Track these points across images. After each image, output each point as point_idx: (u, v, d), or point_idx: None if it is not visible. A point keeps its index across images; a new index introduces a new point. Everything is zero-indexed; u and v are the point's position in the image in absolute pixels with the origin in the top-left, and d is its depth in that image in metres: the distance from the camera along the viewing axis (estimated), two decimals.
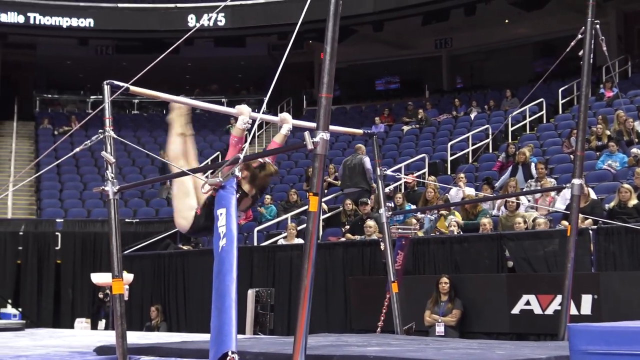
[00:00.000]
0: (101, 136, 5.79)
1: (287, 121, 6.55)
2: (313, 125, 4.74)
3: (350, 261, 12.90)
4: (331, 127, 5.12)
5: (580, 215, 8.82)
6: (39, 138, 26.42)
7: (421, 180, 16.63)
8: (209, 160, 23.92)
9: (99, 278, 14.01)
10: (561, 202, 12.61)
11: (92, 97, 29.94)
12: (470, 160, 18.57)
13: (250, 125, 5.98)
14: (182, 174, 5.96)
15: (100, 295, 15.64)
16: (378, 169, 8.54)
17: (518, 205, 12.92)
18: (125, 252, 15.75)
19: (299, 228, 14.81)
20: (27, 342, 8.02)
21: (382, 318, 10.11)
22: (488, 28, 26.32)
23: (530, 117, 20.50)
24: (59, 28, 26.37)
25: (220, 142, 25.62)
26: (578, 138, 7.55)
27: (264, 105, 6.11)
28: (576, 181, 7.38)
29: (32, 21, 26.10)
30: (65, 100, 31.20)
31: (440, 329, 11.15)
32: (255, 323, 12.23)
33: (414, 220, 13.77)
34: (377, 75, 31.01)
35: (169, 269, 15.76)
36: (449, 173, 18.30)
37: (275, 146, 6.51)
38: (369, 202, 14.69)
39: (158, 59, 5.62)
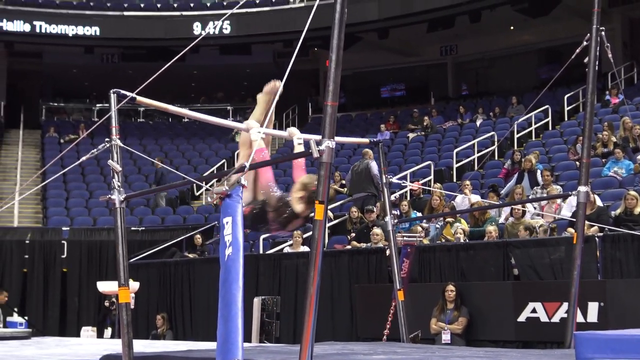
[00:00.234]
0: (107, 145, 5.80)
1: (294, 134, 6.47)
2: (318, 136, 4.73)
3: (356, 269, 12.89)
4: (337, 138, 5.11)
5: (587, 223, 8.80)
6: (45, 146, 26.45)
7: (427, 188, 16.61)
8: (214, 168, 23.95)
9: (105, 286, 14.02)
10: (567, 209, 12.59)
11: (98, 105, 29.99)
12: (476, 168, 18.56)
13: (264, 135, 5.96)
14: (188, 182, 5.94)
15: (106, 304, 15.65)
16: (384, 177, 8.54)
17: (524, 212, 12.90)
18: (131, 260, 15.76)
19: (304, 236, 14.80)
20: (34, 351, 8.03)
21: (388, 326, 10.11)
22: (493, 35, 26.33)
23: (535, 124, 20.47)
24: (65, 36, 26.45)
25: (226, 150, 25.63)
26: (584, 145, 7.54)
27: (271, 112, 6.06)
28: (582, 188, 7.37)
29: (38, 30, 26.18)
30: (71, 108, 31.25)
31: (446, 337, 11.13)
32: (261, 331, 12.24)
33: (419, 228, 13.75)
34: (382, 83, 31.02)
35: (175, 277, 15.76)
36: (454, 180, 18.28)
37: (299, 168, 6.16)
38: (375, 209, 14.67)
39: (164, 68, 5.61)
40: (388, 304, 9.98)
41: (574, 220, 8.15)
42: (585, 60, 7.40)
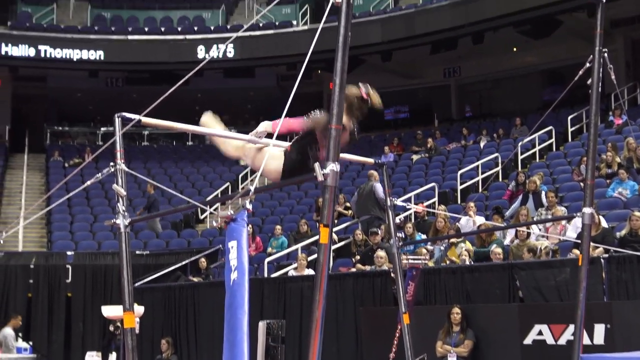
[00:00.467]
0: (112, 169, 5.80)
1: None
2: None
3: (361, 292, 12.86)
4: (342, 156, 5.11)
5: (592, 244, 8.78)
6: (49, 170, 26.51)
7: (431, 210, 16.60)
8: (218, 191, 23.98)
9: (110, 311, 13.98)
10: (572, 230, 12.57)
11: (102, 128, 30.09)
12: (480, 189, 18.55)
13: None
14: (192, 206, 5.93)
15: (111, 328, 15.60)
16: (388, 199, 8.53)
17: (529, 234, 12.88)
18: (136, 284, 15.74)
19: (309, 259, 14.78)
20: None
21: (394, 349, 10.08)
22: (496, 56, 26.39)
23: (539, 145, 20.48)
24: (70, 61, 26.56)
25: (230, 173, 25.66)
26: (588, 166, 7.53)
27: (275, 136, 6.04)
28: (587, 210, 7.35)
29: (42, 54, 26.31)
30: (76, 132, 31.34)
31: (452, 359, 11.09)
32: (266, 356, 12.17)
33: (424, 250, 13.73)
34: (385, 105, 30.74)
35: (180, 302, 15.73)
36: (459, 202, 18.26)
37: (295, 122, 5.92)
38: (379, 232, 14.66)
39: (169, 91, 5.62)
40: (393, 327, 9.95)
41: (579, 241, 8.12)
42: (589, 82, 7.40)
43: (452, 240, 13.58)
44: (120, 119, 5.81)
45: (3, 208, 24.30)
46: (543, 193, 14.99)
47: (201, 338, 14.95)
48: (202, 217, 23.20)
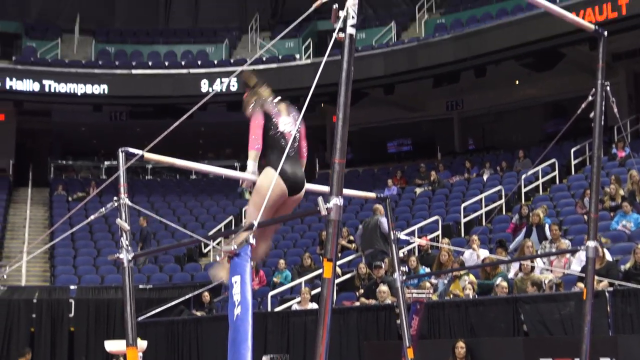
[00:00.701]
0: (116, 204, 5.81)
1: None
2: (326, 189, 4.74)
3: (365, 326, 12.81)
4: (345, 191, 5.12)
5: (596, 277, 8.75)
6: (53, 204, 26.50)
7: (435, 244, 16.57)
8: (222, 225, 23.95)
9: (113, 345, 13.90)
10: (577, 263, 12.53)
11: (106, 162, 30.13)
12: (484, 222, 18.53)
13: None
14: (195, 240, 5.94)
15: None
16: (392, 233, 8.52)
17: (533, 267, 12.85)
18: (139, 318, 15.69)
19: (313, 292, 14.73)
20: None
21: None
22: (499, 89, 26.45)
23: (543, 177, 20.48)
24: (74, 95, 26.62)
25: (234, 207, 25.65)
26: (591, 200, 7.52)
27: (279, 168, 6.07)
28: (591, 243, 7.33)
29: (47, 89, 26.37)
30: (80, 166, 31.38)
31: None
32: None
33: (428, 284, 13.69)
34: (389, 138, 31.10)
35: (183, 336, 15.68)
36: (462, 235, 18.23)
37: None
38: (383, 265, 14.63)
39: (174, 126, 5.64)
40: None
41: (584, 275, 8.09)
42: (591, 115, 7.41)
43: (456, 272, 13.54)
44: (124, 153, 5.83)
45: (7, 242, 24.27)
46: (547, 226, 14.97)
47: None
48: (205, 250, 23.16)
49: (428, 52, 24.15)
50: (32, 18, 31.72)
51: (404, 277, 8.74)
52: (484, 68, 23.85)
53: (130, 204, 5.85)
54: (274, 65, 26.84)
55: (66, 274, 21.77)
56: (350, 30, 4.55)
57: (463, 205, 19.59)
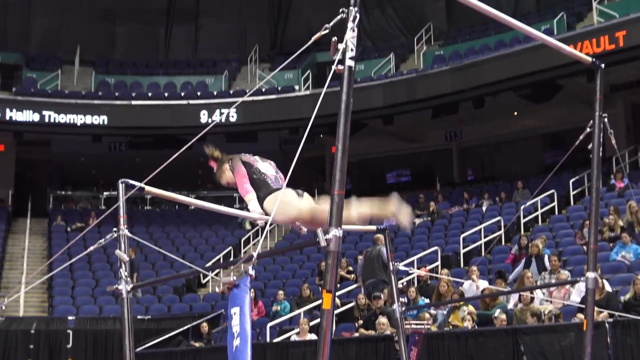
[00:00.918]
0: (115, 235, 5.81)
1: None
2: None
3: (364, 357, 12.75)
4: (344, 227, 5.12)
5: (596, 308, 8.73)
6: (52, 235, 26.46)
7: (434, 275, 16.53)
8: (221, 255, 23.92)
9: None
10: (576, 294, 12.51)
11: (105, 193, 30.12)
12: (483, 253, 18.49)
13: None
14: (194, 271, 5.95)
15: None
16: (391, 264, 8.52)
17: (532, 298, 12.82)
18: (138, 349, 15.62)
19: (311, 323, 14.68)
20: None
21: None
22: (497, 120, 26.52)
23: (542, 208, 20.49)
24: (73, 125, 26.69)
25: (233, 237, 25.62)
26: (591, 230, 7.52)
27: (279, 200, 6.08)
28: (590, 275, 7.32)
29: (47, 119, 26.44)
30: (79, 197, 31.35)
31: None
32: None
33: (427, 315, 13.66)
34: (388, 168, 31.13)
35: None
36: (461, 266, 18.21)
37: None
38: (382, 296, 14.59)
39: (173, 157, 5.66)
40: None
41: (583, 306, 8.08)
42: (589, 146, 7.43)
43: (455, 303, 13.50)
44: (123, 185, 5.84)
45: (5, 273, 24.21)
46: (546, 256, 14.97)
47: None
48: (204, 281, 23.11)
49: (427, 83, 24.25)
50: (33, 49, 31.85)
51: (403, 308, 8.72)
52: (482, 99, 23.94)
53: (130, 235, 5.86)
54: (273, 97, 26.93)
55: (64, 304, 21.70)
56: (349, 62, 4.57)
57: (462, 235, 19.57)
